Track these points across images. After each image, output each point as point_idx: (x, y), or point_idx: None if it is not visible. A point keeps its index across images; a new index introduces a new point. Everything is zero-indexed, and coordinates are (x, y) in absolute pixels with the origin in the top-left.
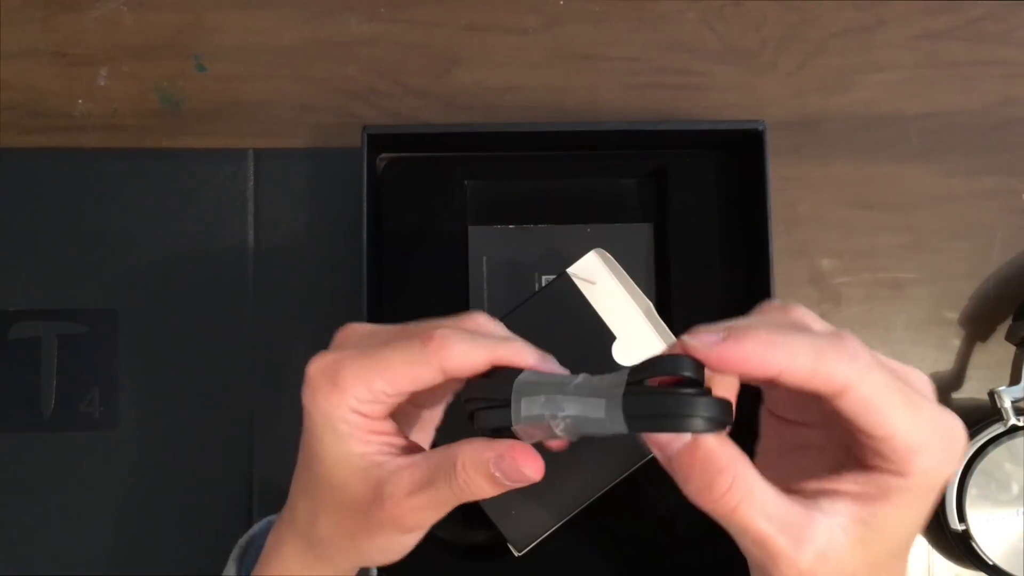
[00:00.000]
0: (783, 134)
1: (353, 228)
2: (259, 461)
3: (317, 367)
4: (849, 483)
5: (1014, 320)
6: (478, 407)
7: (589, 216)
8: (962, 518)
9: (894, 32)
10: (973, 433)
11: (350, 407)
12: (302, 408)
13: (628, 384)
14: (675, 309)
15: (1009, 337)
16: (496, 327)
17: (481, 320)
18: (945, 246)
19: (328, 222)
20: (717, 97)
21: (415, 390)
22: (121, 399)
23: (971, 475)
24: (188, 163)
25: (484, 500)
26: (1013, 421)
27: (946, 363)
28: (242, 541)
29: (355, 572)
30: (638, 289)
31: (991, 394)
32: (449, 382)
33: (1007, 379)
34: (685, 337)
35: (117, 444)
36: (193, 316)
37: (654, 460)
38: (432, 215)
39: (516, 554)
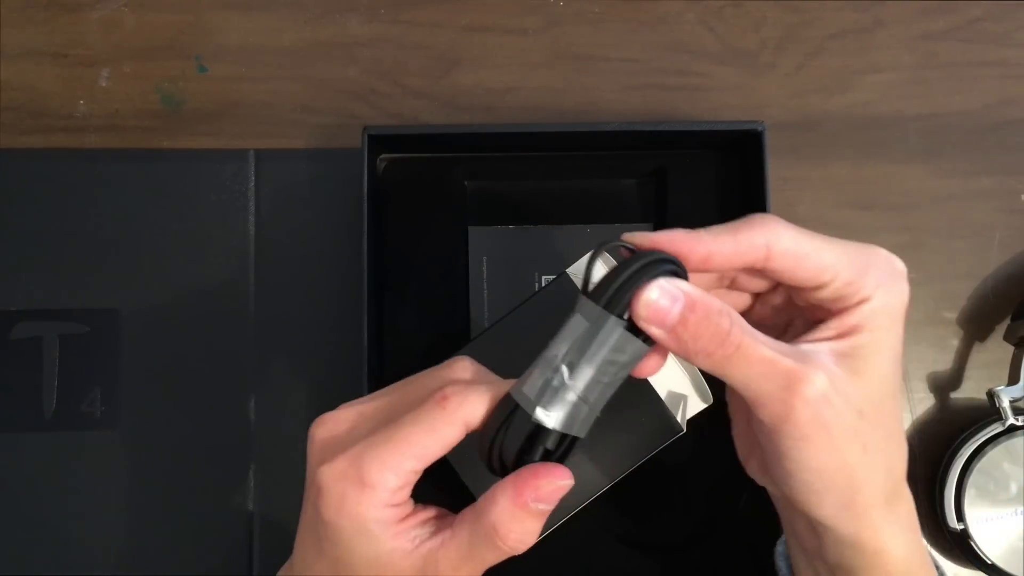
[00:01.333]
0: (782, 135)
1: (354, 228)
2: (259, 461)
3: (332, 473)
4: (824, 331)
5: (1012, 320)
6: (494, 436)
7: (589, 216)
8: (960, 517)
9: (892, 33)
10: (972, 433)
11: (383, 502)
12: (316, 515)
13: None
14: None
15: (1007, 337)
16: (483, 369)
17: (470, 367)
18: (944, 246)
19: (329, 222)
20: (716, 98)
21: (441, 455)
22: (122, 399)
23: (970, 475)
24: (189, 163)
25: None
26: (1011, 421)
27: (945, 363)
28: None
29: None
30: None
31: (989, 394)
32: None
33: (1006, 379)
34: (626, 233)
35: (118, 444)
36: (194, 316)
37: (653, 461)
38: (432, 215)
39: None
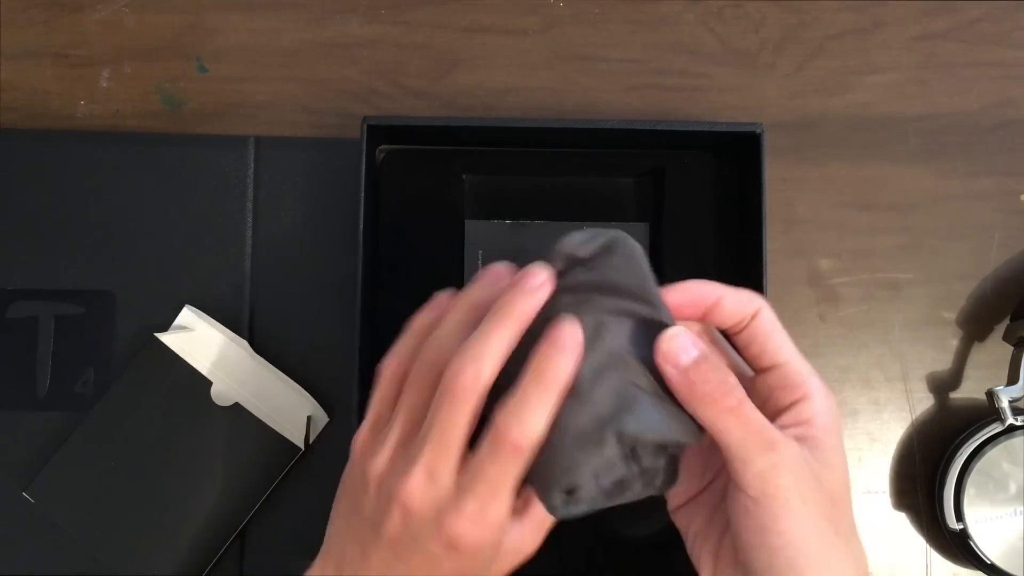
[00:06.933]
0: (782, 135)
1: (351, 218)
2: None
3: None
4: (785, 419)
5: (1012, 320)
6: None
7: (585, 214)
8: (960, 517)
9: (892, 33)
10: (971, 433)
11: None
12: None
13: None
14: None
15: (1007, 337)
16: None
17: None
18: (943, 246)
19: (326, 211)
20: (716, 98)
21: None
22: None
23: (969, 474)
24: (189, 149)
25: None
26: (1011, 421)
27: (944, 363)
28: None
29: None
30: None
31: (989, 394)
32: None
33: (1005, 379)
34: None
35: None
36: (190, 301)
37: None
38: (429, 208)
39: None
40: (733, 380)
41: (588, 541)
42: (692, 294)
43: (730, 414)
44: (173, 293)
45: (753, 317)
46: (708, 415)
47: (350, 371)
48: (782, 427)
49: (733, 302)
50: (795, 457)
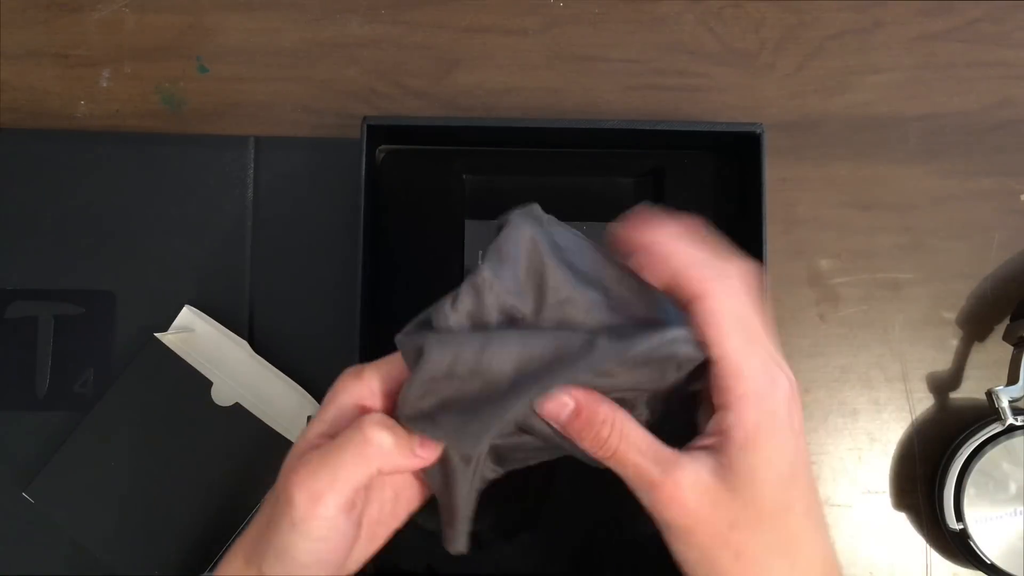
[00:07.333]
0: (782, 135)
1: (351, 218)
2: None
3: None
4: (706, 438)
5: (1012, 320)
6: None
7: (585, 214)
8: (960, 517)
9: (892, 34)
10: (971, 433)
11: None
12: None
13: None
14: None
15: (1007, 337)
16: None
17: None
18: (943, 246)
19: (326, 211)
20: (716, 98)
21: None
22: (115, 381)
23: (969, 474)
24: (189, 149)
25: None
26: (1011, 421)
27: (944, 363)
28: None
29: None
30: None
31: (989, 394)
32: None
33: (1005, 379)
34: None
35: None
36: (189, 301)
37: None
38: (429, 208)
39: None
40: (606, 431)
41: (588, 541)
42: (639, 238)
43: (610, 460)
44: (173, 293)
45: (696, 299)
46: (597, 457)
47: None
48: (695, 448)
49: (663, 272)
50: (686, 486)
